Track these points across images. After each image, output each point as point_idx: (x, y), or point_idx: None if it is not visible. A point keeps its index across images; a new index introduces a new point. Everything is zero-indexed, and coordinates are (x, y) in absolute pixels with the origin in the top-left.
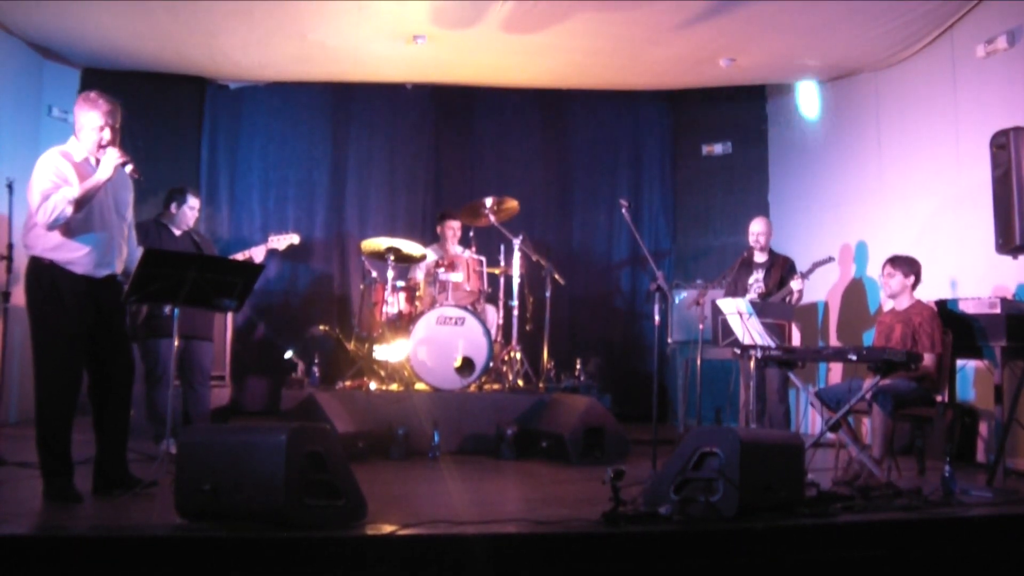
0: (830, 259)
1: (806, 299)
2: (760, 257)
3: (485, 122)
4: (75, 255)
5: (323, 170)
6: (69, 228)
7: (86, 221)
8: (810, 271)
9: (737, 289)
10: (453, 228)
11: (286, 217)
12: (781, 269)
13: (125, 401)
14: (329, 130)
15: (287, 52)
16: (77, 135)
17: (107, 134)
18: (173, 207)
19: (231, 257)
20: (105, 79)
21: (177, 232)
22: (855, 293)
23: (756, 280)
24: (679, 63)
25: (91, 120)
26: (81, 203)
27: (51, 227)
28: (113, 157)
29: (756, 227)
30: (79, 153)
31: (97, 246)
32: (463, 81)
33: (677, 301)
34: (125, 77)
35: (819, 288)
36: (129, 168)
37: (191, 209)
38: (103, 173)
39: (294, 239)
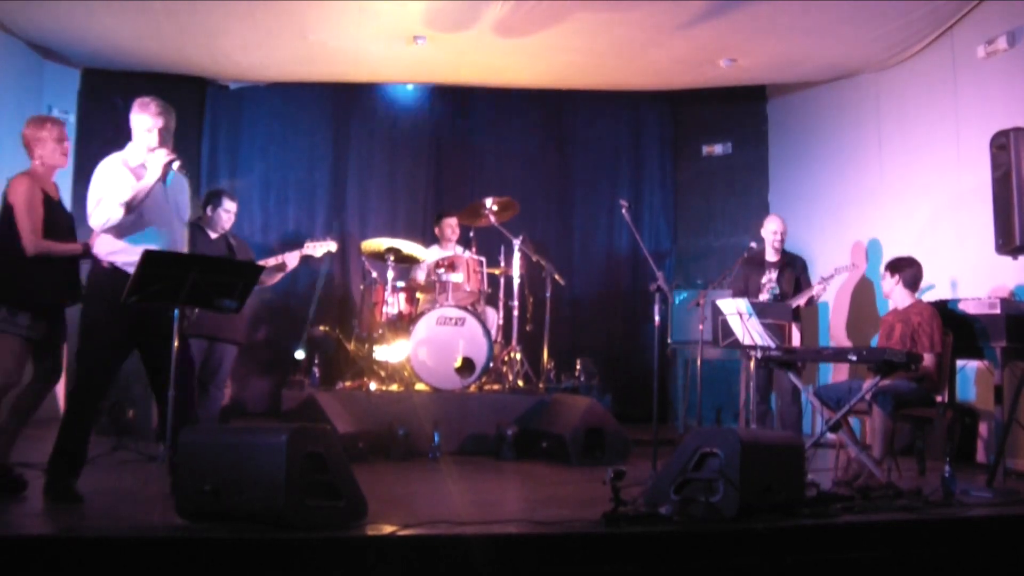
0: (852, 266)
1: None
2: (772, 256)
3: (485, 123)
4: (136, 258)
5: (324, 170)
6: (131, 232)
7: (146, 225)
8: (831, 277)
9: (748, 288)
10: (451, 226)
11: (287, 217)
12: (796, 269)
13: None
14: (330, 130)
15: (288, 52)
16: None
17: (154, 137)
18: (209, 210)
19: (263, 261)
20: (105, 79)
21: (213, 235)
22: (863, 294)
23: (769, 280)
24: (679, 64)
25: (141, 123)
26: (131, 205)
27: (103, 230)
28: (160, 157)
29: (773, 224)
30: (135, 159)
31: (145, 244)
32: (463, 82)
33: (677, 302)
34: (125, 77)
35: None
36: (176, 165)
37: (227, 212)
38: (151, 175)
39: (331, 247)
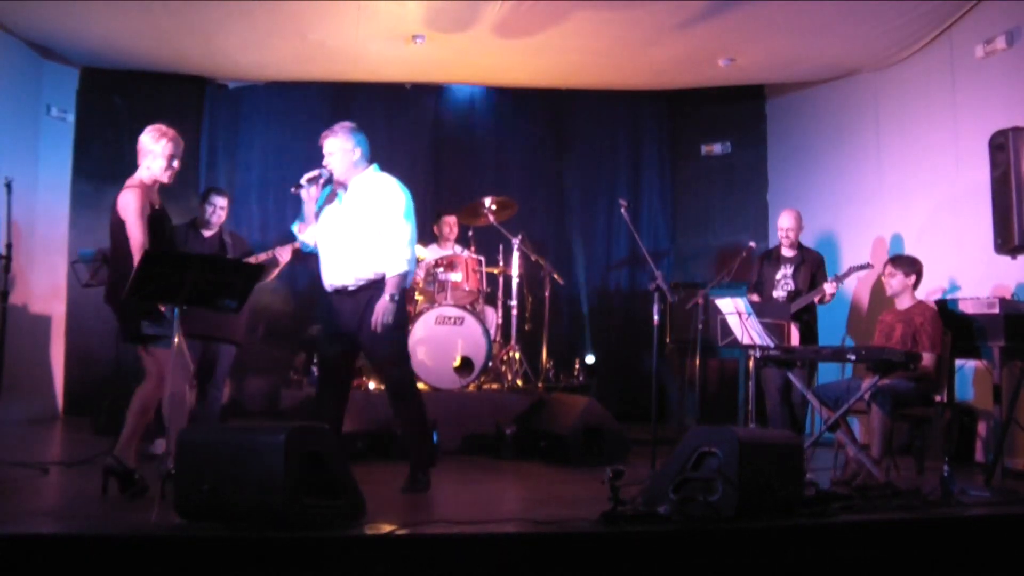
0: (869, 266)
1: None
2: (788, 252)
3: (485, 122)
4: (320, 271)
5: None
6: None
7: (319, 244)
8: (845, 275)
9: (764, 284)
10: (450, 224)
11: (286, 217)
12: (811, 266)
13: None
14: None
15: (286, 52)
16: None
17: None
18: (203, 208)
19: (254, 258)
20: (104, 78)
21: (207, 233)
22: (875, 292)
23: (784, 276)
24: (678, 63)
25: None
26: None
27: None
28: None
29: (785, 222)
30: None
31: (323, 264)
32: (463, 81)
33: (676, 301)
34: (124, 77)
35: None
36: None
37: (220, 208)
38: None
39: None
